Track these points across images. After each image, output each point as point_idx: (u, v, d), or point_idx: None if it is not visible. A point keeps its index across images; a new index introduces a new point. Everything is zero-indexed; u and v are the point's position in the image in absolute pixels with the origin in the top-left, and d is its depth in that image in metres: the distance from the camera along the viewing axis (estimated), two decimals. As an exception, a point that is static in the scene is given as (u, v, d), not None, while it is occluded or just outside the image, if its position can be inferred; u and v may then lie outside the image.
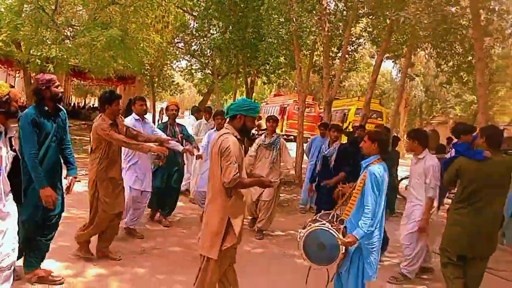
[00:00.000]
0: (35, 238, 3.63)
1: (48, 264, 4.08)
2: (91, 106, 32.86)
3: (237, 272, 3.53)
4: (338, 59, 9.70)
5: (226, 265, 3.29)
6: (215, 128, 6.35)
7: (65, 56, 13.73)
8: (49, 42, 13.92)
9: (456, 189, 4.21)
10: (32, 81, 17.46)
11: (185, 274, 4.28)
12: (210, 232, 3.15)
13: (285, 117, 22.99)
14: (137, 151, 4.97)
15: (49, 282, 3.69)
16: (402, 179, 10.67)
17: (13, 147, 2.96)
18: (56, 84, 3.66)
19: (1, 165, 2.81)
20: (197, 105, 15.93)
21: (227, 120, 3.35)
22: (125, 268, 4.30)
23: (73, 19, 14.63)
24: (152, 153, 5.03)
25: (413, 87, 26.13)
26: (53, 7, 13.78)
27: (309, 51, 10.98)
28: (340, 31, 10.11)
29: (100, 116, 4.33)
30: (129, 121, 5.25)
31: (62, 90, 3.78)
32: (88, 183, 4.33)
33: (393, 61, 10.81)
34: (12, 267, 2.99)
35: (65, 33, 14.31)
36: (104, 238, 4.45)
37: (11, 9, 12.75)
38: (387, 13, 6.09)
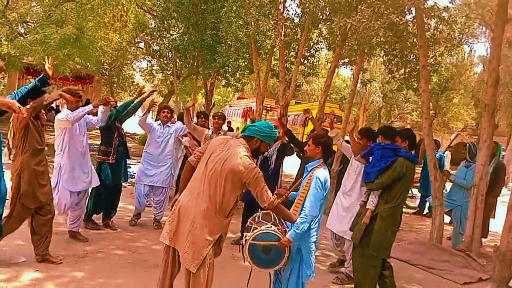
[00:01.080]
0: None
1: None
2: (51, 107, 31.74)
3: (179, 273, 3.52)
4: (295, 64, 9.81)
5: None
6: (159, 121, 6.45)
7: (17, 54, 13.24)
8: (1, 39, 13.40)
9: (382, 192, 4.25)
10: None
11: (126, 277, 4.24)
12: (197, 247, 3.11)
13: (248, 119, 23.08)
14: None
15: None
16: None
17: None
18: None
19: None
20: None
21: (240, 135, 3.36)
22: (64, 271, 4.18)
23: (27, 16, 14.11)
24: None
25: (372, 92, 26.87)
26: (5, 2, 13.28)
27: (267, 55, 11.07)
28: (298, 36, 10.24)
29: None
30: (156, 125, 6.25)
31: None
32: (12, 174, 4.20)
33: (347, 67, 11.03)
34: None
35: (18, 30, 13.82)
36: (41, 241, 4.31)
37: (-42, 3, 12.18)
38: (336, 19, 6.22)
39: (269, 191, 3.19)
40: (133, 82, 23.70)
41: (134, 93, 25.84)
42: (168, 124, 6.33)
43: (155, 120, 6.93)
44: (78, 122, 5.00)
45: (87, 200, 5.53)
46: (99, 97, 22.06)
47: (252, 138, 3.30)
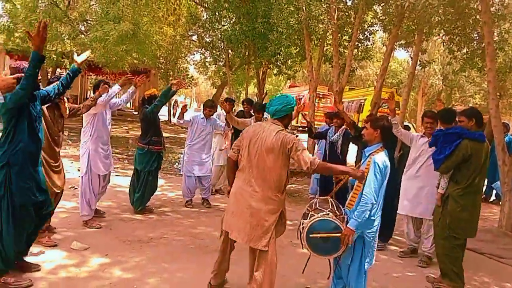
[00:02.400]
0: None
1: (52, 254, 4.20)
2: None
3: (241, 260, 3.57)
4: (349, 48, 9.54)
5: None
6: (201, 115, 6.64)
7: (80, 51, 13.93)
8: (64, 37, 14.15)
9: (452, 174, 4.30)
10: (48, 77, 17.95)
11: (188, 262, 4.36)
12: (262, 227, 3.32)
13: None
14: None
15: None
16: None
17: None
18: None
19: None
20: (211, 98, 16.05)
21: (273, 118, 3.48)
22: (130, 257, 4.37)
23: (87, 14, 14.81)
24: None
25: (430, 75, 25.61)
26: (66, 2, 13.99)
27: (319, 40, 10.87)
28: (351, 19, 9.95)
29: None
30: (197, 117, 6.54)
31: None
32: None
33: (404, 49, 10.56)
34: None
35: (79, 28, 14.54)
36: None
37: (26, 5, 12.98)
38: (395, -2, 5.95)
39: (308, 153, 3.28)
40: (188, 74, 24.25)
41: (189, 86, 26.57)
42: (209, 117, 6.64)
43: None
44: (106, 106, 5.29)
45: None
46: (156, 90, 22.86)
47: (286, 116, 3.48)
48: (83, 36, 14.38)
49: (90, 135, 5.19)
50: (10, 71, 3.49)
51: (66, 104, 4.53)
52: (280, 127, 3.38)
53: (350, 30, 10.46)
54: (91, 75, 25.87)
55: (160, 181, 8.36)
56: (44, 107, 4.06)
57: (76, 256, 4.24)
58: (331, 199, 3.55)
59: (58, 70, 19.63)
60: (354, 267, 3.44)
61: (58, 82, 3.95)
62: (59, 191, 4.52)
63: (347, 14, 9.94)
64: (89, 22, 14.97)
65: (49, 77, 17.49)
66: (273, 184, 3.32)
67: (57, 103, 4.32)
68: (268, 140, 3.31)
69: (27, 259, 3.82)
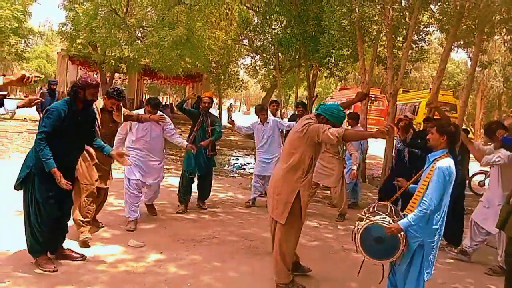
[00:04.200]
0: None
1: (112, 249, 4.40)
2: (163, 104, 34.42)
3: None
4: (404, 49, 9.28)
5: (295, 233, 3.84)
6: (258, 121, 6.96)
7: (136, 56, 14.54)
8: (121, 43, 14.82)
9: None
10: (107, 81, 18.90)
11: (239, 263, 4.41)
12: (282, 201, 3.74)
13: (351, 111, 22.46)
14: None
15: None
16: (474, 174, 10.06)
17: None
18: (92, 91, 3.73)
19: None
20: (261, 101, 16.13)
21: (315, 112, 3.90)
22: (184, 254, 4.49)
23: (143, 21, 15.41)
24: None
25: (490, 77, 24.31)
26: (124, 9, 14.64)
27: (373, 41, 10.64)
28: (406, 19, 9.66)
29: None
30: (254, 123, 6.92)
31: (95, 98, 3.86)
32: None
33: (463, 49, 10.09)
34: None
35: (136, 34, 15.16)
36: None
37: (87, 13, 13.72)
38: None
39: (333, 129, 3.55)
40: (238, 78, 24.55)
41: (239, 89, 26.90)
42: (267, 121, 6.89)
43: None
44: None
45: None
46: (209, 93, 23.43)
47: (319, 115, 3.80)
48: (139, 42, 14.98)
49: (132, 142, 5.41)
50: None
51: (122, 110, 4.77)
52: (312, 120, 3.76)
53: (404, 31, 10.15)
54: (146, 79, 26.85)
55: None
56: (98, 109, 4.42)
57: (133, 252, 4.42)
58: (390, 204, 3.48)
59: (116, 74, 20.57)
60: (413, 277, 3.32)
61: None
62: (100, 187, 4.66)
63: (401, 14, 9.66)
64: (145, 28, 15.57)
65: (107, 81, 18.48)
66: (291, 165, 3.74)
67: (110, 111, 4.61)
68: (297, 127, 3.82)
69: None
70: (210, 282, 3.88)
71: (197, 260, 4.39)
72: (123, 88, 24.96)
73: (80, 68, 20.17)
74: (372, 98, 22.20)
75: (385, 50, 10.24)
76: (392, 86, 9.09)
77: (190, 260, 4.37)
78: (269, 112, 7.99)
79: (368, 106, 12.36)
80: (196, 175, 6.31)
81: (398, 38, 10.92)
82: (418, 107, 18.90)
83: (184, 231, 5.31)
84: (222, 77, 22.23)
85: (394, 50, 10.03)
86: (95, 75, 22.32)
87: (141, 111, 5.44)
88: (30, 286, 3.42)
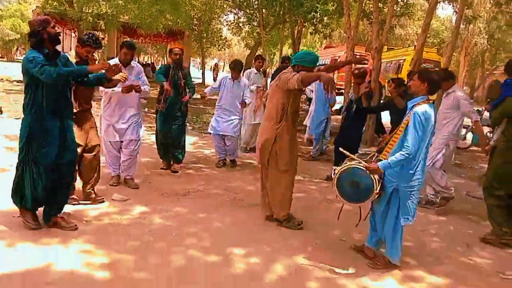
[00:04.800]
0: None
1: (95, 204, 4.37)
2: (143, 63, 33.61)
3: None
4: (389, 3, 9.11)
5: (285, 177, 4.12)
6: (229, 76, 6.58)
7: (115, 13, 13.99)
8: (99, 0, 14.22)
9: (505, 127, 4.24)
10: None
11: (224, 214, 4.45)
12: (262, 147, 4.07)
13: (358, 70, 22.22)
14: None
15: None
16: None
17: None
18: (51, 25, 3.49)
19: None
20: (244, 60, 15.76)
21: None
22: (169, 207, 4.51)
23: (122, -25, 14.72)
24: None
25: (475, 34, 24.26)
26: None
27: (358, -5, 10.42)
28: (392, -28, 9.43)
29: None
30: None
31: (58, 30, 3.65)
32: None
33: (448, 3, 9.96)
34: None
35: (113, -11, 14.52)
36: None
37: (62, -32, 13.03)
38: None
39: (296, 75, 3.78)
40: (221, 36, 24.02)
41: (222, 48, 26.40)
42: (239, 79, 6.50)
43: None
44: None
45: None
46: (190, 52, 22.97)
47: (294, 66, 3.98)
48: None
49: (108, 101, 4.97)
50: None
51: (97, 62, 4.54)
52: (288, 71, 3.95)
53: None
54: (126, 38, 26.06)
55: (195, 139, 8.52)
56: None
57: (118, 206, 4.41)
58: (369, 151, 3.52)
59: (96, 33, 19.91)
60: (390, 222, 3.41)
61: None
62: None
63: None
64: (124, -18, 14.89)
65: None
66: (271, 114, 4.03)
67: (87, 61, 4.16)
68: (276, 80, 4.07)
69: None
70: (196, 232, 3.91)
71: (182, 212, 4.41)
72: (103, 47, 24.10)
73: (57, 27, 19.39)
74: (357, 56, 22.08)
75: (371, 4, 10.05)
76: (377, 41, 8.99)
77: (175, 212, 4.39)
78: (253, 69, 7.88)
79: (353, 64, 12.25)
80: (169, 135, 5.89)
81: (384, -8, 10.74)
82: (403, 65, 18.84)
83: (169, 185, 5.31)
84: (205, 34, 21.73)
85: (379, 4, 9.86)
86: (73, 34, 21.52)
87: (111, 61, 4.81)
88: (14, 239, 3.39)
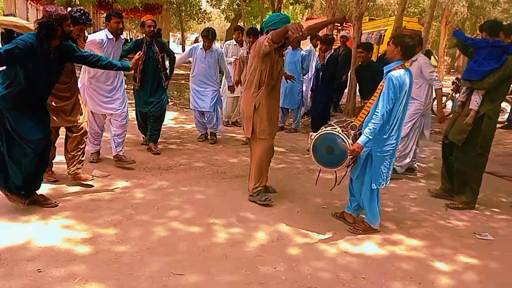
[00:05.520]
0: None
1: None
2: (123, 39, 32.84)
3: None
4: (369, -30, 9.01)
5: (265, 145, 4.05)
6: (200, 45, 6.21)
7: (89, -13, 13.54)
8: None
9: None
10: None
11: (207, 186, 4.46)
12: (245, 117, 4.04)
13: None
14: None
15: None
16: (434, 98, 10.26)
17: None
18: (68, 22, 3.27)
19: None
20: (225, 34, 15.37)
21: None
22: (150, 181, 4.50)
23: None
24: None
25: (455, 2, 24.19)
26: None
27: (338, -36, 10.25)
28: None
29: None
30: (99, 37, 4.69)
31: (72, 29, 3.40)
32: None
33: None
34: None
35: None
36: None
37: None
38: None
39: (267, 36, 3.74)
40: (200, 9, 23.51)
41: (202, 21, 25.86)
42: (211, 49, 6.15)
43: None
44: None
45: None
46: (169, 26, 22.41)
47: (267, 32, 3.83)
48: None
49: (87, 72, 4.72)
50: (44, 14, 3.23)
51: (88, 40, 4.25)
52: (262, 37, 3.86)
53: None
54: (102, 13, 25.29)
55: (176, 114, 8.44)
56: None
57: (98, 181, 4.35)
58: (348, 119, 3.54)
59: (70, 8, 19.25)
60: (367, 186, 3.46)
61: (97, 57, 3.76)
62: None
63: None
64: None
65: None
66: (250, 83, 3.96)
67: (74, 39, 3.81)
68: (253, 50, 3.98)
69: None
70: (178, 204, 3.91)
71: (164, 185, 4.39)
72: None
73: (30, 4, 18.70)
74: (338, 28, 21.90)
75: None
76: (357, 9, 8.92)
77: (157, 186, 4.37)
78: (232, 40, 7.74)
79: (335, 35, 12.16)
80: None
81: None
82: (384, 35, 18.78)
83: (150, 160, 5.27)
84: (183, 8, 21.22)
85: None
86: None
87: (99, 35, 4.66)
88: (-9, 217, 3.34)
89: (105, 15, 5.00)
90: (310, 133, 3.60)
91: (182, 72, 16.54)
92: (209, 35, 6.02)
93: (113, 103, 4.86)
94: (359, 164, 3.43)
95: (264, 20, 4.07)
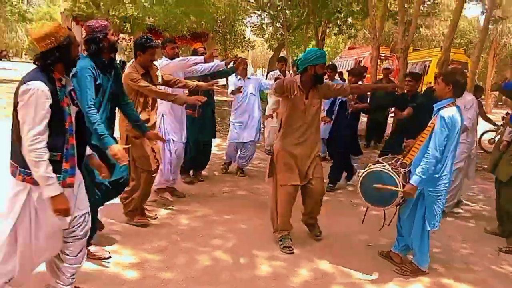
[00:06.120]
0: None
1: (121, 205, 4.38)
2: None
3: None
4: (416, 2, 8.97)
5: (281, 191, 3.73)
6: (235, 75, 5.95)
7: (140, 15, 14.25)
8: (125, 2, 14.50)
9: None
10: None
11: (249, 216, 4.47)
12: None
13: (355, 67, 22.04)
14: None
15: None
16: (484, 132, 9.96)
17: (75, 101, 2.44)
18: (111, 31, 3.17)
19: (71, 124, 2.34)
20: (268, 62, 15.66)
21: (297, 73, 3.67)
22: (195, 208, 4.57)
23: (147, -22, 14.97)
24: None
25: (504, 34, 23.56)
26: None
27: (384, -4, 10.31)
28: (419, -28, 9.30)
29: (132, 63, 3.84)
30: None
31: (117, 38, 3.31)
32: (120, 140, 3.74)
33: (476, 2, 9.74)
34: (87, 235, 2.62)
35: (140, -9, 14.78)
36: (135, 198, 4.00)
37: (90, -30, 13.35)
38: None
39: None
40: (244, 37, 24.11)
41: (246, 49, 26.44)
42: (248, 77, 6.06)
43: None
44: (182, 70, 4.72)
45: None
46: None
47: (305, 70, 3.55)
48: (143, 0, 14.62)
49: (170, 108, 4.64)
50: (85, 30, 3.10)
51: (158, 72, 4.00)
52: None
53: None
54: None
55: (219, 141, 8.53)
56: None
57: (145, 206, 4.45)
58: (396, 156, 3.47)
59: (121, 35, 20.25)
60: (417, 227, 3.36)
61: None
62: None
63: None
64: (149, -15, 15.14)
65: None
66: (278, 123, 3.84)
67: (148, 70, 3.84)
68: None
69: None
70: (222, 233, 3.95)
71: (208, 213, 4.46)
72: (128, 49, 24.38)
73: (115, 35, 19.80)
74: (381, 57, 21.76)
75: (396, 4, 9.92)
76: (403, 41, 8.87)
77: (201, 213, 4.44)
78: (276, 71, 7.85)
79: (378, 65, 12.10)
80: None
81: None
82: (429, 66, 18.47)
83: (194, 187, 5.37)
84: (228, 36, 21.83)
85: (405, 5, 9.71)
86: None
87: (163, 61, 4.57)
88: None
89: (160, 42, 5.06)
90: (358, 170, 3.52)
91: (223, 98, 16.85)
92: (237, 65, 5.53)
93: (183, 131, 4.85)
94: (410, 203, 3.34)
95: (301, 56, 3.68)
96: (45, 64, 2.28)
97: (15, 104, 2.25)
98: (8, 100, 11.54)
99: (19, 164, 2.27)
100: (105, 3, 14.59)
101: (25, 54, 59.14)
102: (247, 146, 6.07)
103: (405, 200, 3.31)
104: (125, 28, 16.15)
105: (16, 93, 2.24)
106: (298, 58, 3.72)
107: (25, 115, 2.19)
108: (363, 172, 3.40)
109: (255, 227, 4.18)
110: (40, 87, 2.20)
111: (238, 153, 6.15)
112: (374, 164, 3.43)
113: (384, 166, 3.33)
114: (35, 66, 2.31)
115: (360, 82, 6.20)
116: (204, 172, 5.92)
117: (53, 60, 2.27)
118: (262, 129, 7.89)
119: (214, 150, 7.43)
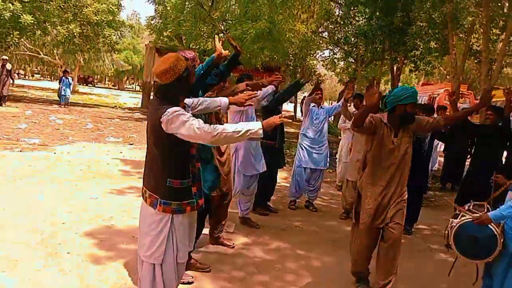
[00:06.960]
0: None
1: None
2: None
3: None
4: (500, 41, 8.63)
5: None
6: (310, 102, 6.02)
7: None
8: (205, 36, 15.35)
9: None
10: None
11: (323, 253, 4.45)
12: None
13: (435, 108, 21.23)
14: None
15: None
16: None
17: None
18: (198, 61, 3.23)
19: (197, 149, 2.51)
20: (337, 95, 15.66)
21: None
22: (269, 240, 4.64)
23: (227, 14, 15.80)
24: None
25: None
26: (210, 3, 15.15)
27: (465, 34, 10.01)
28: (504, 10, 8.97)
29: None
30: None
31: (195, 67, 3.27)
32: None
33: None
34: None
35: (220, 27, 15.62)
36: (218, 224, 4.26)
37: (175, 7, 14.38)
38: None
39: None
40: (315, 71, 24.36)
41: (320, 83, 26.60)
42: (321, 106, 6.13)
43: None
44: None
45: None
46: (284, 87, 23.31)
47: (393, 109, 3.36)
48: (222, 35, 15.40)
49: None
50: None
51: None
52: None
53: (502, 22, 9.44)
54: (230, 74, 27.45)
55: (285, 174, 8.57)
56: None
57: (223, 235, 4.61)
58: (487, 205, 3.30)
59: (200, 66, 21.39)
60: (510, 281, 3.14)
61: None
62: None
63: (499, 4, 9.00)
64: (228, 21, 15.97)
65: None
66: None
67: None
68: None
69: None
70: (296, 269, 3.97)
71: (281, 246, 4.51)
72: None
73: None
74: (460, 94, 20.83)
75: (479, 42, 9.61)
76: (487, 81, 8.52)
77: (275, 246, 4.50)
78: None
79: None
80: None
81: (494, 30, 10.17)
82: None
83: (267, 219, 5.45)
84: (299, 69, 22.20)
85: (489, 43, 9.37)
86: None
87: None
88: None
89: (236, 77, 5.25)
90: (451, 220, 3.28)
91: (292, 130, 17.03)
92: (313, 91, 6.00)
93: (261, 161, 4.92)
94: (507, 256, 3.08)
95: (390, 94, 3.47)
96: (170, 96, 2.36)
97: (155, 136, 2.34)
98: (94, 124, 12.60)
99: (160, 195, 2.37)
100: (188, 37, 15.54)
101: (108, 81, 64.22)
102: (315, 177, 6.07)
103: (500, 253, 3.10)
104: (204, 61, 17.01)
105: (159, 125, 2.27)
106: (386, 95, 3.47)
107: (182, 125, 2.24)
108: (457, 223, 3.18)
109: (329, 266, 4.15)
110: (176, 108, 2.31)
111: (306, 184, 6.04)
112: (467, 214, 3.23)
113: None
114: (156, 97, 2.43)
115: None
116: (274, 205, 6.00)
117: (175, 91, 2.37)
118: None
119: (283, 181, 7.55)
